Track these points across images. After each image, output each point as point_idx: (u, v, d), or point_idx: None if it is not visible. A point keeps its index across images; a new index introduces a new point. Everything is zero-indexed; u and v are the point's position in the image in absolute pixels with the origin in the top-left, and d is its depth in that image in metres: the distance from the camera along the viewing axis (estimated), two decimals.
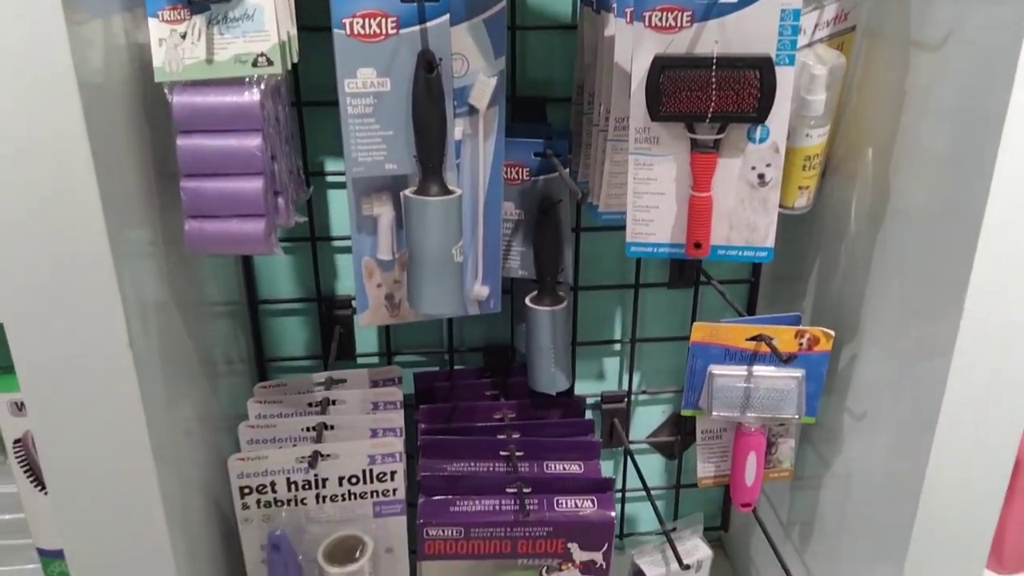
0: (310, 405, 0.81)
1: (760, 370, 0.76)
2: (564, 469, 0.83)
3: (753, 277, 0.99)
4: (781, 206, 0.74)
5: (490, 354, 0.98)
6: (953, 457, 0.65)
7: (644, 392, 1.04)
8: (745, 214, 0.67)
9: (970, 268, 0.59)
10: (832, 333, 0.74)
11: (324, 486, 0.73)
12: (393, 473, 0.75)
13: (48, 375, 0.56)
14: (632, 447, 1.07)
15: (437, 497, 0.78)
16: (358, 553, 0.74)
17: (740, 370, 0.76)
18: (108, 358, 0.56)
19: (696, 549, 0.84)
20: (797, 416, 0.76)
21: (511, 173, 0.79)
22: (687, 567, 0.77)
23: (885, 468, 0.72)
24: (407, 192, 0.67)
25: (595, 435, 0.87)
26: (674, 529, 0.86)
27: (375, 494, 0.75)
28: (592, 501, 0.78)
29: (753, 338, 0.75)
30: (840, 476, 0.80)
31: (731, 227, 0.68)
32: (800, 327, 0.75)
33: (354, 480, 0.73)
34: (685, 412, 0.79)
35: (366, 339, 0.98)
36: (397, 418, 0.79)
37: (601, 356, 1.02)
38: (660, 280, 0.98)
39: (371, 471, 0.73)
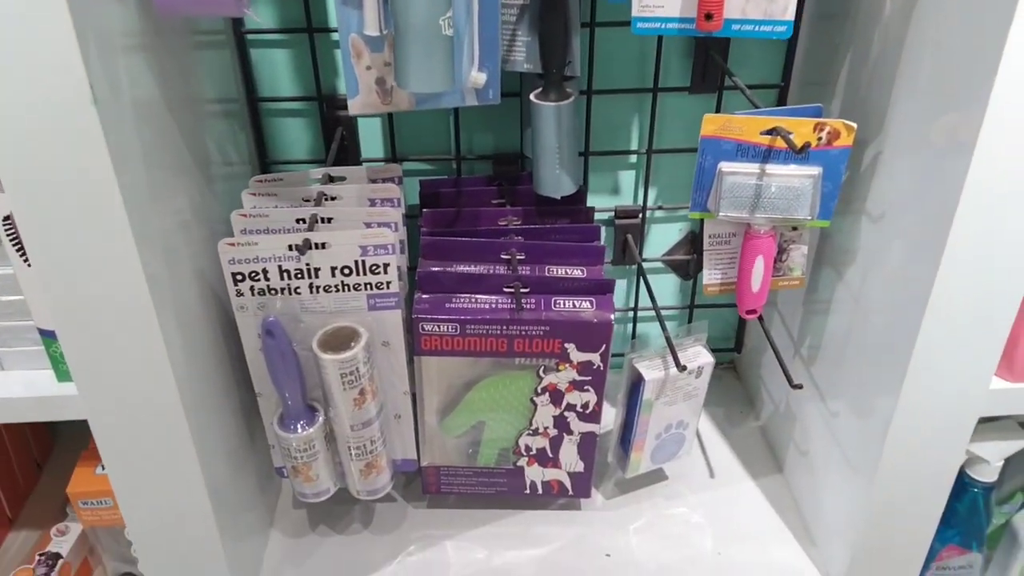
0: (305, 200, 0.79)
1: (774, 168, 0.71)
2: (566, 273, 0.81)
3: (783, 81, 0.92)
4: None
5: (499, 162, 0.95)
6: (967, 263, 0.61)
7: (660, 208, 1.00)
8: None
9: (999, 56, 0.53)
10: (854, 125, 0.69)
11: (317, 276, 0.72)
12: (386, 265, 0.73)
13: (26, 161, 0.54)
14: (645, 265, 1.04)
15: (433, 293, 0.77)
16: (353, 343, 0.74)
17: (752, 167, 0.71)
18: (78, 122, 0.54)
19: (697, 355, 0.83)
20: (810, 217, 0.72)
21: None
22: (684, 368, 0.76)
23: (899, 274, 0.69)
24: None
25: (600, 240, 0.84)
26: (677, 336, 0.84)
27: (369, 286, 0.74)
28: (591, 302, 0.77)
29: (768, 131, 0.70)
30: (852, 285, 0.77)
31: None
32: (820, 119, 0.69)
33: (347, 271, 0.72)
34: (692, 215, 0.75)
35: (371, 143, 0.94)
36: (394, 213, 0.77)
37: (615, 168, 0.98)
38: (682, 84, 0.91)
39: (363, 262, 0.72)
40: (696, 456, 0.99)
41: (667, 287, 1.07)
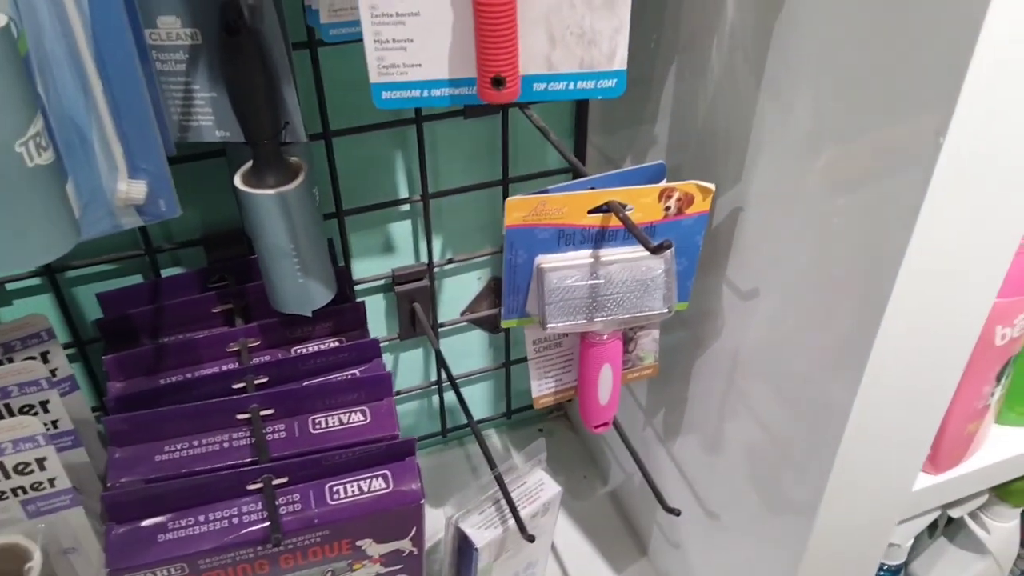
0: None
1: (612, 253, 0.50)
2: (341, 423, 0.55)
3: (577, 116, 0.70)
4: None
5: (215, 245, 0.66)
6: (902, 328, 0.44)
7: (450, 261, 0.76)
8: (576, 15, 0.37)
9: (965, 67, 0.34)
10: (712, 187, 0.48)
11: None
12: (41, 461, 0.46)
13: None
14: (444, 330, 0.81)
15: (134, 523, 0.49)
16: (26, 567, 0.47)
17: (582, 257, 0.50)
18: None
19: (540, 488, 0.62)
20: (667, 310, 0.52)
21: None
22: (533, 539, 0.55)
23: (797, 367, 0.51)
24: None
25: (381, 363, 0.59)
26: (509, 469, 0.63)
27: (20, 491, 0.47)
28: (384, 477, 0.52)
29: (598, 209, 0.48)
30: (721, 358, 0.59)
31: (553, 41, 0.38)
32: (666, 184, 0.48)
33: None
34: (507, 323, 0.53)
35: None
36: (43, 396, 0.48)
37: (384, 223, 0.72)
38: (454, 109, 0.67)
39: (1, 464, 0.44)
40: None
41: (474, 345, 0.85)
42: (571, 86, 0.39)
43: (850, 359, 0.45)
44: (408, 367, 0.83)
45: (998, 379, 0.52)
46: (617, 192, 0.48)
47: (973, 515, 0.70)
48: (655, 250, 0.44)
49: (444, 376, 0.83)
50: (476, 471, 0.87)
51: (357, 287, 0.73)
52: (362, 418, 0.56)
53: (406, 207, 0.72)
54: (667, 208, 0.49)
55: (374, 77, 0.38)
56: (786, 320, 0.51)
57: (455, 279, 0.79)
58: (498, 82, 0.37)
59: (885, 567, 0.66)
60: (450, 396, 0.88)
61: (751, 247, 0.52)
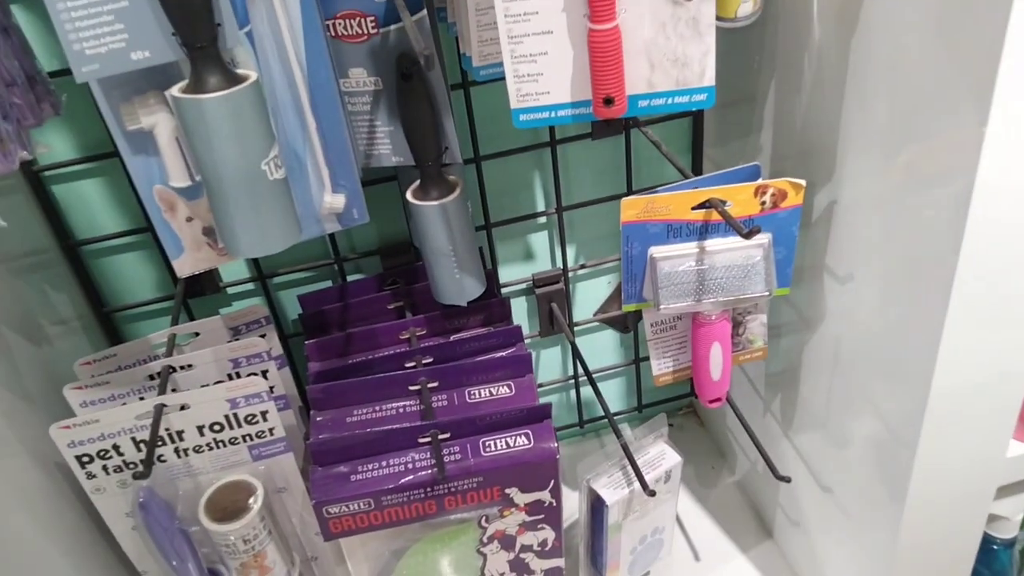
0: (151, 377, 0.63)
1: (715, 243, 0.58)
2: (491, 394, 0.67)
3: (694, 125, 0.79)
4: (720, 18, 0.54)
5: (388, 255, 0.80)
6: (970, 318, 0.50)
7: (583, 266, 0.87)
8: (670, 44, 0.47)
9: (996, 66, 0.40)
10: (802, 183, 0.56)
11: (181, 439, 0.58)
12: (264, 413, 0.60)
13: None
14: (579, 329, 0.91)
15: (333, 468, 0.62)
16: (251, 500, 0.61)
17: (689, 248, 0.59)
18: None
19: (662, 457, 0.70)
20: (767, 292, 0.60)
21: (349, 27, 0.57)
22: (653, 494, 0.63)
23: (888, 338, 0.57)
24: (174, 91, 0.45)
25: (524, 347, 0.70)
26: (637, 429, 0.71)
27: (248, 438, 0.60)
28: (527, 435, 0.63)
29: (701, 205, 0.57)
30: (826, 341, 0.65)
31: (652, 66, 0.48)
32: (761, 182, 0.56)
33: (217, 427, 0.58)
34: (627, 307, 0.62)
35: (232, 264, 0.78)
36: (262, 349, 0.62)
37: (525, 233, 0.84)
38: (581, 132, 0.78)
39: (235, 415, 0.58)
40: (675, 533, 0.87)
41: (607, 344, 0.95)
42: (669, 101, 0.49)
43: (926, 335, 0.51)
44: (548, 363, 0.94)
45: None
46: (716, 190, 0.56)
47: None
48: (747, 235, 0.52)
49: (580, 370, 0.93)
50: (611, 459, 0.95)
51: (503, 290, 0.85)
52: (508, 391, 0.67)
53: (543, 219, 0.83)
54: (763, 203, 0.57)
55: (514, 103, 0.49)
56: (874, 306, 0.57)
57: (588, 283, 0.89)
58: (608, 101, 0.47)
59: (998, 541, 0.69)
60: (586, 391, 0.97)
61: (846, 238, 0.59)
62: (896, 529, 0.61)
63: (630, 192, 0.82)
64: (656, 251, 0.59)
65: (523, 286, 0.86)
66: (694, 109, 0.49)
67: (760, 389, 0.80)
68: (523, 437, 0.63)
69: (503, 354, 0.70)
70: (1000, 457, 0.59)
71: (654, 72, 0.47)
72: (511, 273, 0.85)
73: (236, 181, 0.46)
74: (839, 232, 0.60)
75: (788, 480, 0.66)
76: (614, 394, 0.99)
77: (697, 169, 0.83)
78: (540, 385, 0.93)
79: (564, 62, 0.47)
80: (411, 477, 0.61)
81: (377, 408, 0.66)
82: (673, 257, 0.59)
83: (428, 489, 0.61)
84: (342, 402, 0.67)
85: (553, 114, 0.50)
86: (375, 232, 0.80)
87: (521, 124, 0.50)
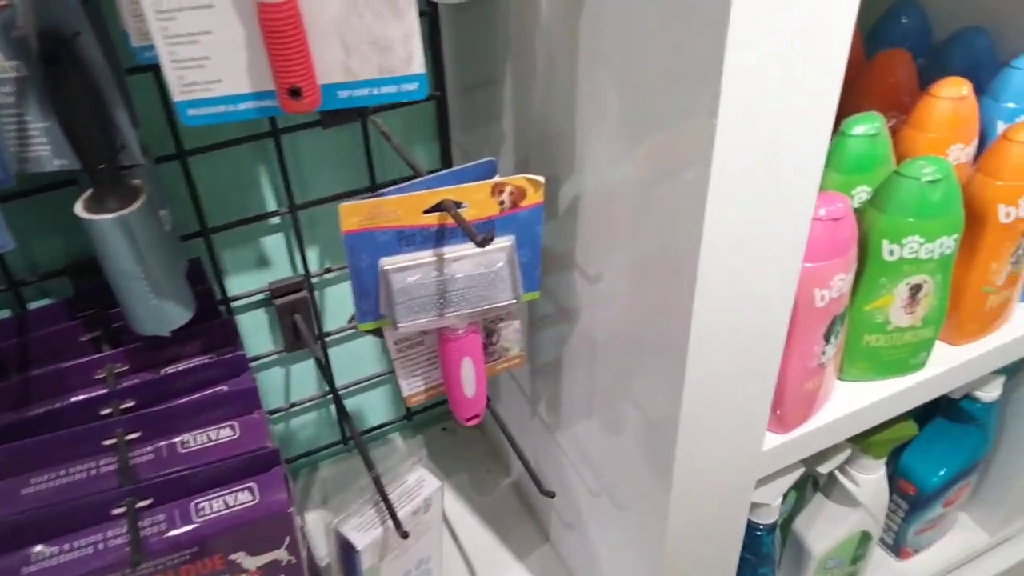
0: None
1: (454, 251, 0.52)
2: (210, 440, 0.56)
3: (439, 90, 0.72)
4: None
5: (79, 273, 0.66)
6: (717, 310, 0.46)
7: (328, 270, 0.77)
8: (365, 23, 0.38)
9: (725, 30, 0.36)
10: (541, 180, 0.51)
11: None
12: None
13: None
14: (336, 338, 0.82)
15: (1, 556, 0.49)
16: None
17: (426, 257, 0.51)
18: None
19: (420, 485, 0.63)
20: (515, 299, 0.54)
21: None
22: (407, 535, 0.56)
23: (640, 336, 0.53)
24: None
25: (250, 377, 0.60)
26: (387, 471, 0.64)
27: None
28: (251, 489, 0.53)
29: (434, 208, 0.50)
30: (584, 339, 0.61)
31: (348, 50, 0.39)
32: (497, 180, 0.50)
33: None
34: (364, 326, 0.54)
35: None
36: None
37: (257, 237, 0.73)
38: (312, 119, 0.68)
39: None
40: (448, 549, 0.81)
41: (368, 351, 0.86)
42: (375, 91, 0.41)
43: (676, 330, 0.47)
44: (302, 379, 0.84)
45: (827, 338, 0.55)
46: (450, 191, 0.49)
47: (842, 470, 0.73)
48: (480, 243, 0.46)
49: (330, 387, 0.84)
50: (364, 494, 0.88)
51: (235, 303, 0.74)
52: (231, 433, 0.57)
53: (277, 220, 0.72)
54: (501, 202, 0.51)
55: (177, 96, 0.39)
56: (626, 299, 0.53)
57: (337, 288, 0.80)
58: (295, 92, 0.38)
59: (761, 527, 0.69)
60: (351, 402, 0.89)
61: (594, 232, 0.55)
62: (664, 523, 0.58)
63: (374, 187, 0.73)
64: (387, 262, 0.51)
65: (260, 297, 0.75)
66: (404, 100, 0.41)
67: (527, 391, 0.75)
68: (246, 492, 0.53)
69: (224, 388, 0.59)
70: (756, 451, 0.57)
71: (351, 57, 0.39)
72: (244, 283, 0.74)
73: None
74: (586, 226, 0.55)
75: (552, 495, 0.61)
76: (380, 404, 0.91)
77: (447, 160, 0.76)
78: (294, 404, 0.83)
79: (235, 44, 0.37)
80: (102, 561, 0.49)
81: (62, 473, 0.53)
82: (408, 268, 0.51)
83: (127, 571, 0.50)
84: (17, 468, 0.53)
85: (231, 107, 0.40)
86: (62, 247, 0.65)
87: (190, 120, 0.40)
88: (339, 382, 0.84)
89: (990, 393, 0.76)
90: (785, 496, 0.79)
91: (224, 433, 0.56)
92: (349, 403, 0.88)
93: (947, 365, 0.63)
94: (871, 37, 0.76)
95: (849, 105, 0.63)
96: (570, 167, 0.54)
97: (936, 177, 0.55)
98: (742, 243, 0.44)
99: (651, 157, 0.45)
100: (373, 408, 0.91)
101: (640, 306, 0.52)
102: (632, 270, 0.51)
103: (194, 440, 0.56)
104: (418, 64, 0.40)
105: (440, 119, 0.73)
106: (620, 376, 0.57)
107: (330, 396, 0.86)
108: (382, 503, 0.59)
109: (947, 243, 0.57)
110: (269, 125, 0.66)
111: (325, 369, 0.72)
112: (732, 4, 0.35)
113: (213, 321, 0.62)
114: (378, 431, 0.92)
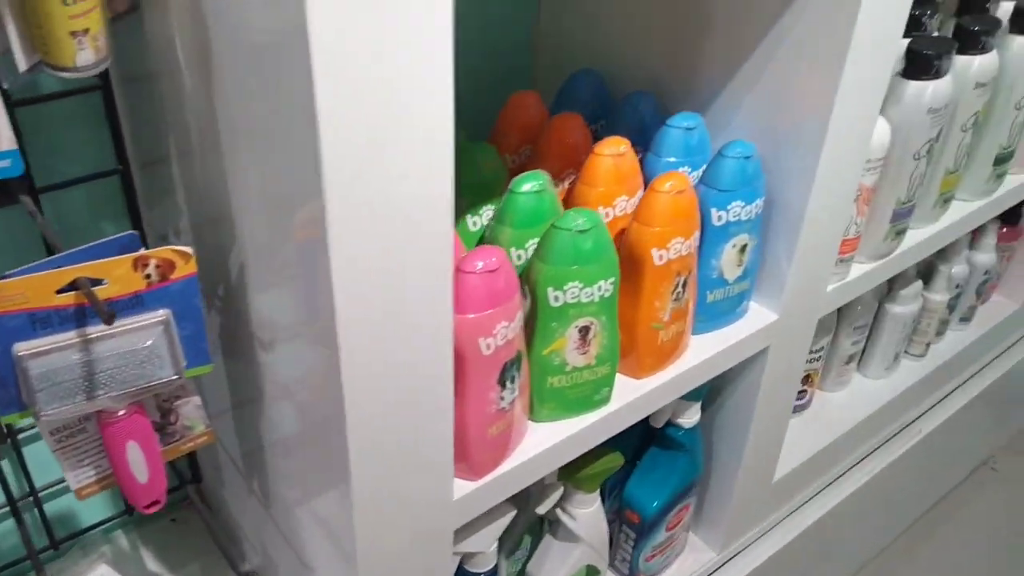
0: None
1: (98, 330, 0.49)
2: None
3: (121, 164, 0.69)
4: (58, 67, 0.45)
5: None
6: (364, 367, 0.47)
7: None
8: None
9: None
10: (190, 251, 0.50)
11: None
12: None
13: None
14: (28, 435, 0.75)
15: None
16: None
17: (66, 339, 0.48)
18: None
19: None
20: (176, 375, 0.52)
21: None
22: None
23: (308, 391, 0.53)
24: None
25: None
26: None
27: None
28: None
29: (69, 287, 0.47)
30: (273, 411, 0.60)
31: None
32: (141, 252, 0.49)
33: None
34: (7, 419, 0.50)
35: None
36: None
37: None
38: None
39: None
40: None
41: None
42: None
43: (331, 408, 0.47)
44: None
45: (502, 384, 0.58)
46: (86, 267, 0.47)
47: (562, 508, 0.77)
48: (107, 320, 0.44)
49: (30, 488, 0.77)
50: None
51: None
52: None
53: None
54: (148, 276, 0.49)
55: None
56: (289, 377, 0.53)
57: None
58: None
59: (481, 574, 0.70)
60: (60, 502, 0.81)
61: (262, 302, 0.54)
62: None
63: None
64: (22, 348, 0.48)
65: None
66: (3, 178, 0.40)
67: (241, 467, 0.73)
68: None
69: None
70: (447, 501, 0.58)
71: None
72: None
73: None
74: (256, 297, 0.55)
75: (251, 575, 0.59)
76: (98, 500, 0.84)
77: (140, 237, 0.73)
78: None
79: None
80: None
81: None
82: (45, 353, 0.48)
83: None
84: None
85: None
86: None
87: None
88: (40, 482, 0.77)
89: (690, 419, 0.83)
90: (520, 543, 0.82)
91: None
92: (59, 503, 0.81)
93: (630, 397, 0.68)
94: (557, 103, 0.82)
95: (534, 165, 0.69)
96: (232, 240, 0.54)
97: (586, 227, 0.60)
98: (382, 311, 0.45)
99: (284, 231, 0.46)
100: (91, 506, 0.83)
101: (300, 386, 0.52)
102: (293, 348, 0.51)
103: None
104: (8, 140, 0.39)
105: (128, 195, 0.71)
106: (306, 447, 0.57)
107: (30, 499, 0.78)
108: None
109: (605, 286, 0.62)
110: None
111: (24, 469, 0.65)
112: (319, 119, 0.36)
113: None
114: (97, 529, 0.84)
